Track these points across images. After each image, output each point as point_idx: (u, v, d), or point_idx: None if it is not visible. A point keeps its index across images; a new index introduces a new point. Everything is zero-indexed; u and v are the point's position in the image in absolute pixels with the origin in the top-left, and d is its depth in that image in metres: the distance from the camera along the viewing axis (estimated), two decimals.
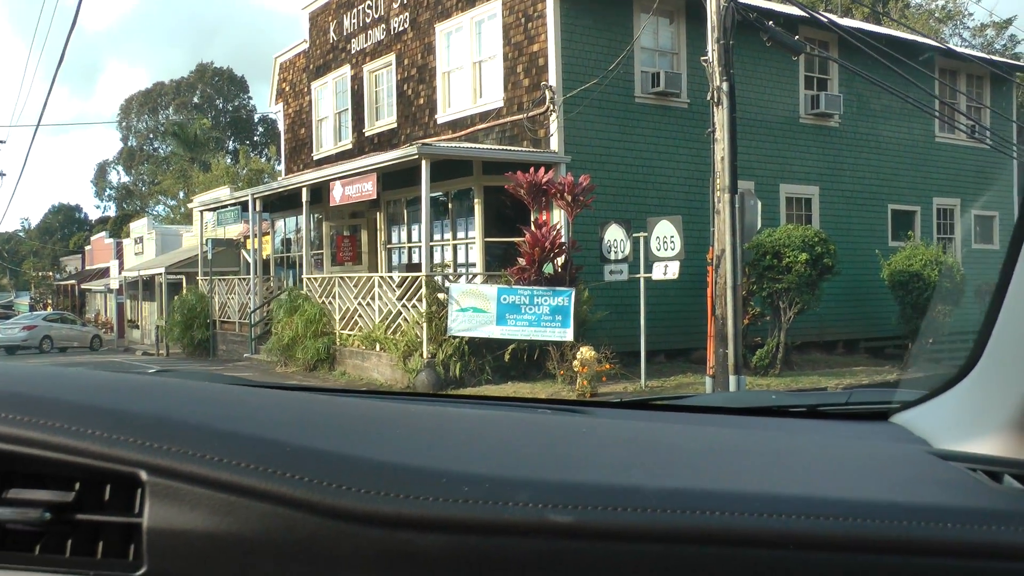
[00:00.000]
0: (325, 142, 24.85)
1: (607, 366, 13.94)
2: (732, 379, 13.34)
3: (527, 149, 16.63)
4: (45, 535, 1.10)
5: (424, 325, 15.59)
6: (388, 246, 20.83)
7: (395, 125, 21.29)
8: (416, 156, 15.75)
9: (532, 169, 14.66)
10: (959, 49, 25.38)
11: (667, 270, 14.25)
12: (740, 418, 1.95)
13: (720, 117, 13.53)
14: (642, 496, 1.02)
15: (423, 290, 15.76)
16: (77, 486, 1.10)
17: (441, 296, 15.64)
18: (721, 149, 13.53)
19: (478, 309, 14.87)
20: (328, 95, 24.63)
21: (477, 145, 17.74)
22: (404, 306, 16.35)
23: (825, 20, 17.64)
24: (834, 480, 1.15)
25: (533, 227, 14.82)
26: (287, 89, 27.03)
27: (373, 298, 17.42)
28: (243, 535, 1.03)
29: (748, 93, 18.08)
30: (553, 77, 16.34)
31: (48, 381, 1.34)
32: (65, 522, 1.09)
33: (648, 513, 1.00)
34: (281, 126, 28.42)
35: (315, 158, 24.90)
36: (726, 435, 1.51)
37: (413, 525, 1.00)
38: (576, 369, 13.84)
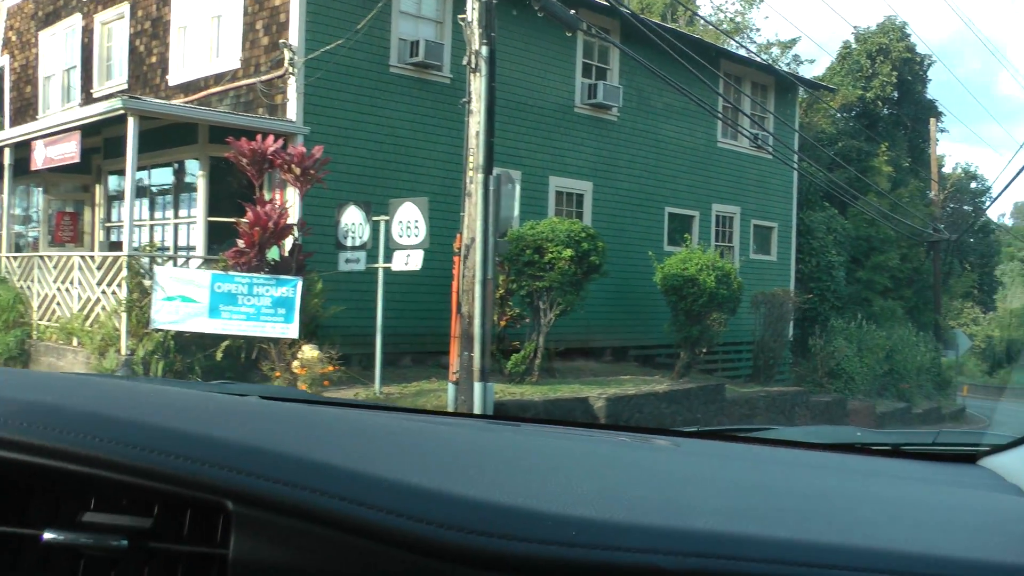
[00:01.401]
0: (52, 102, 22.08)
1: (330, 368, 12.27)
2: (477, 387, 12.07)
3: (262, 116, 14.77)
4: (121, 562, 1.10)
5: (123, 315, 13.45)
6: (107, 224, 18.49)
7: (125, 86, 18.93)
8: (121, 111, 13.62)
9: (259, 137, 12.83)
10: (746, 54, 25.12)
11: (409, 260, 12.79)
12: (824, 456, 1.91)
13: (477, 86, 12.22)
14: (755, 547, 1.03)
15: (124, 273, 13.61)
16: (156, 511, 1.12)
17: (147, 282, 13.54)
18: (476, 123, 12.23)
19: (187, 298, 12.90)
20: (57, 48, 21.93)
21: (199, 107, 15.72)
22: (104, 292, 14.15)
23: (607, 1, 16.72)
24: (947, 536, 1.14)
25: (257, 205, 12.97)
26: (13, 39, 24.05)
27: (72, 283, 15.09)
28: (331, 570, 1.04)
29: (519, 74, 16.99)
30: (295, 36, 14.59)
31: (127, 399, 1.37)
32: (142, 549, 1.10)
33: (760, 565, 1.01)
34: (7, 81, 25.23)
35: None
36: (824, 479, 1.52)
37: (517, 568, 1.00)
38: (296, 371, 12.11)
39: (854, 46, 35.15)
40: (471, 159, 12.19)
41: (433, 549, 1.01)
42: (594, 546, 1.00)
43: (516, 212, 12.64)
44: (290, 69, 14.61)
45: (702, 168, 21.35)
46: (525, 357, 14.50)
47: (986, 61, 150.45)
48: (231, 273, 12.96)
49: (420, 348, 15.41)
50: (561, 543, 1.00)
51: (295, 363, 12.24)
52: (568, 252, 14.17)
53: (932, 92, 36.60)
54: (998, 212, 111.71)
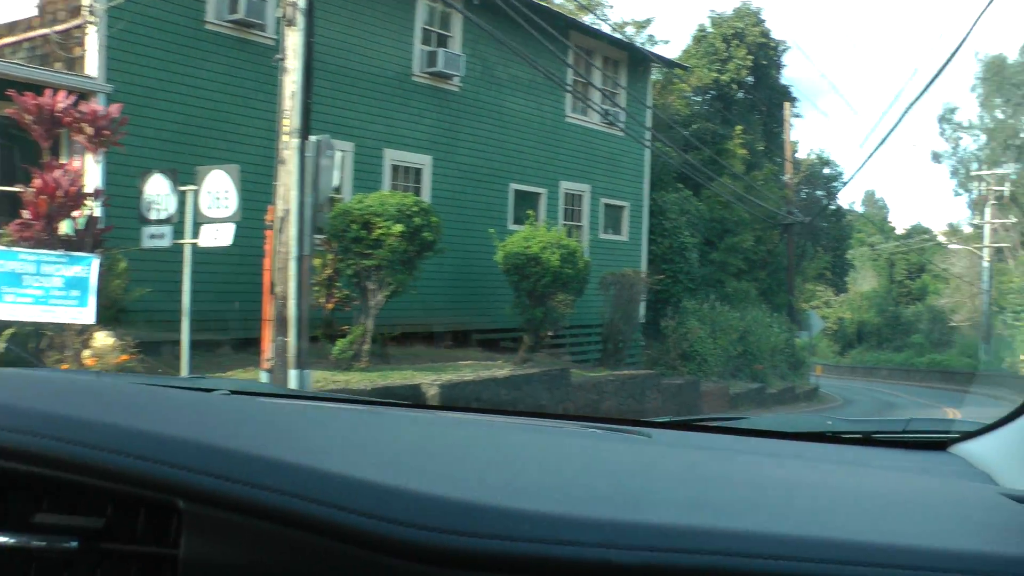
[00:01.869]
0: None
1: (124, 357, 11.09)
2: (292, 374, 11.09)
3: (58, 71, 13.37)
4: (73, 563, 1.11)
5: None
6: None
7: None
8: None
9: (47, 92, 11.50)
10: (599, 26, 24.62)
11: (218, 235, 11.64)
12: (796, 445, 1.97)
13: (293, 41, 11.22)
14: (710, 539, 1.03)
15: None
16: (108, 511, 1.11)
17: None
18: (292, 82, 11.26)
19: None
20: None
21: None
22: None
23: None
24: (916, 525, 1.14)
25: (46, 170, 11.64)
26: None
27: None
28: (284, 568, 1.04)
29: (350, 37, 16.01)
30: None
31: (80, 397, 1.38)
32: (94, 551, 1.10)
33: (719, 558, 1.01)
34: None
35: None
36: (792, 470, 1.54)
37: (466, 564, 1.01)
38: (86, 361, 10.90)
39: (710, 29, 35.27)
40: (286, 122, 11.21)
41: (384, 545, 1.01)
42: (544, 540, 1.01)
43: (336, 182, 11.67)
44: (89, 18, 13.26)
45: (550, 144, 20.76)
46: (353, 342, 13.56)
47: (841, 51, 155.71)
48: (15, 249, 11.59)
49: (240, 334, 14.28)
50: (511, 538, 1.01)
51: (86, 352, 11.04)
52: (398, 227, 13.29)
53: (788, 78, 37.11)
54: (849, 199, 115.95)
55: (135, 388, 1.67)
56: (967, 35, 40.56)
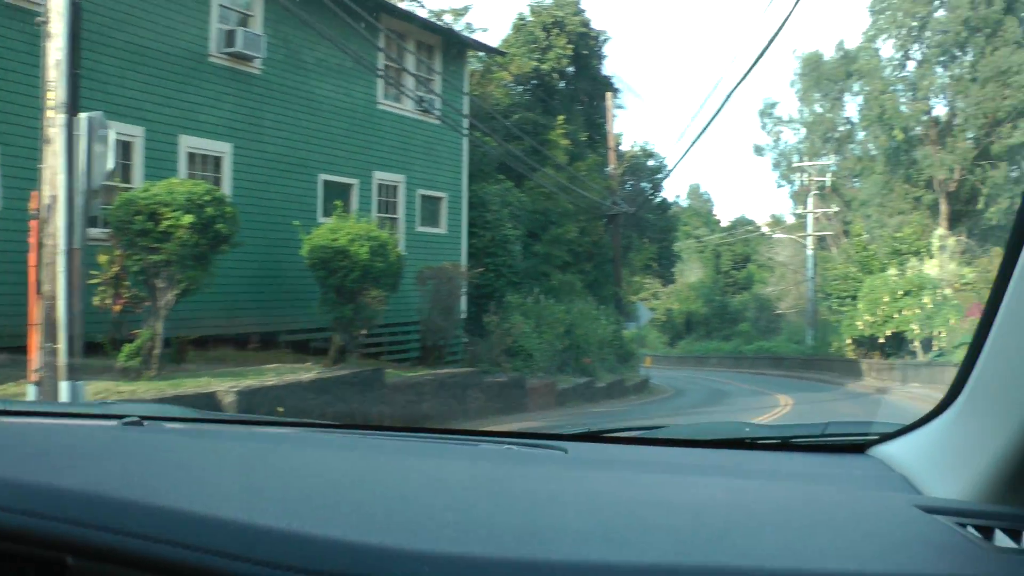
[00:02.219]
0: None
1: None
2: (64, 386, 10.00)
3: None
4: None
5: None
6: None
7: None
8: None
9: None
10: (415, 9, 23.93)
11: None
12: (715, 453, 1.98)
13: (57, 2, 10.11)
14: (613, 574, 1.03)
15: None
16: None
17: None
18: (57, 49, 10.20)
19: None
20: None
21: None
22: None
23: None
24: (820, 546, 1.14)
25: None
26: None
27: None
28: None
29: (138, 12, 14.79)
30: None
31: None
32: None
33: None
34: None
35: None
36: (693, 485, 1.54)
37: None
38: None
39: (529, 18, 35.08)
40: (50, 96, 10.12)
41: None
42: None
43: (111, 165, 10.57)
44: None
45: (361, 132, 19.96)
46: (140, 347, 12.48)
47: (663, 42, 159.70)
48: None
49: (8, 342, 12.95)
50: None
51: None
52: (188, 218, 12.28)
53: (610, 68, 37.29)
54: (675, 193, 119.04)
55: (27, 428, 1.70)
56: (777, 31, 41.82)
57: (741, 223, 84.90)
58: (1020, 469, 1.22)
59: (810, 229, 52.70)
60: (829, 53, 59.52)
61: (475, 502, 1.31)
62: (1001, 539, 1.14)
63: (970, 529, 1.17)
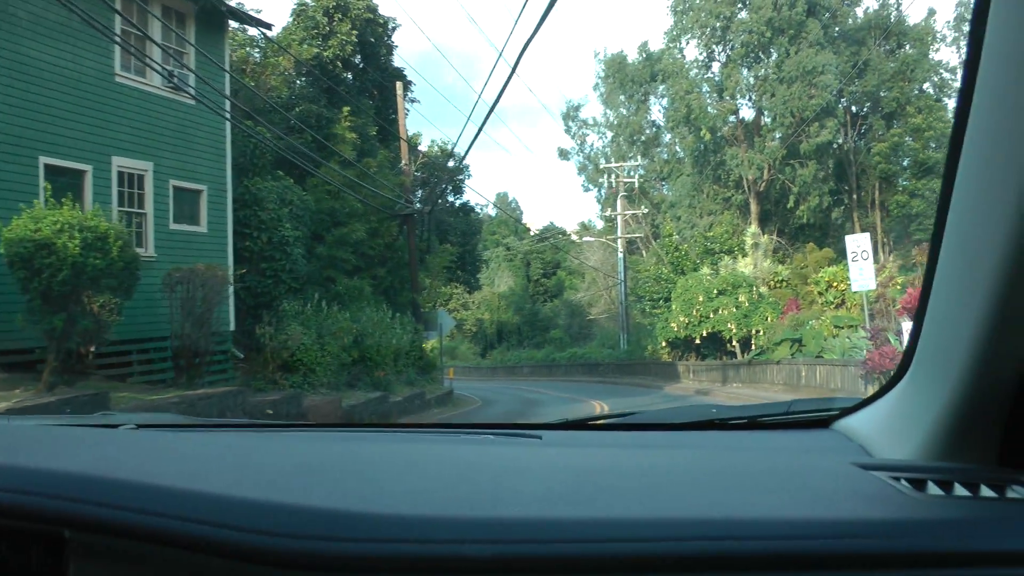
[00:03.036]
0: None
1: None
2: None
3: None
4: None
5: None
6: None
7: None
8: None
9: None
10: None
11: None
12: (681, 434, 2.13)
13: None
14: (561, 528, 1.12)
15: None
16: (1, 546, 1.18)
17: None
18: None
19: None
20: None
21: None
22: None
23: None
24: (756, 500, 1.26)
25: None
26: None
27: None
28: None
29: None
30: None
31: None
32: None
33: (564, 545, 1.10)
34: None
35: None
36: (658, 457, 1.63)
37: (335, 567, 1.09)
38: None
39: (310, 2, 32.66)
40: None
41: (257, 556, 1.09)
42: (405, 540, 1.10)
43: None
44: None
45: (94, 108, 16.98)
46: None
47: (455, 33, 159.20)
48: None
49: None
50: (373, 540, 1.09)
51: None
52: None
53: (403, 59, 35.09)
54: (483, 201, 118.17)
55: (30, 429, 1.89)
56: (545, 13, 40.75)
57: (551, 231, 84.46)
58: (957, 429, 1.34)
59: (620, 232, 51.98)
60: (633, 55, 59.33)
61: (453, 477, 1.38)
62: (933, 489, 1.26)
63: (903, 482, 1.30)
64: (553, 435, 2.08)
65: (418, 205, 28.95)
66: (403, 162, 29.90)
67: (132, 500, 1.15)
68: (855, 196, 54.62)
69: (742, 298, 37.64)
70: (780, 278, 42.18)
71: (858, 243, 23.54)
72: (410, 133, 38.87)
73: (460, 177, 39.18)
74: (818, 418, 2.00)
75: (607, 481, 1.36)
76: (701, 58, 51.40)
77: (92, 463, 1.29)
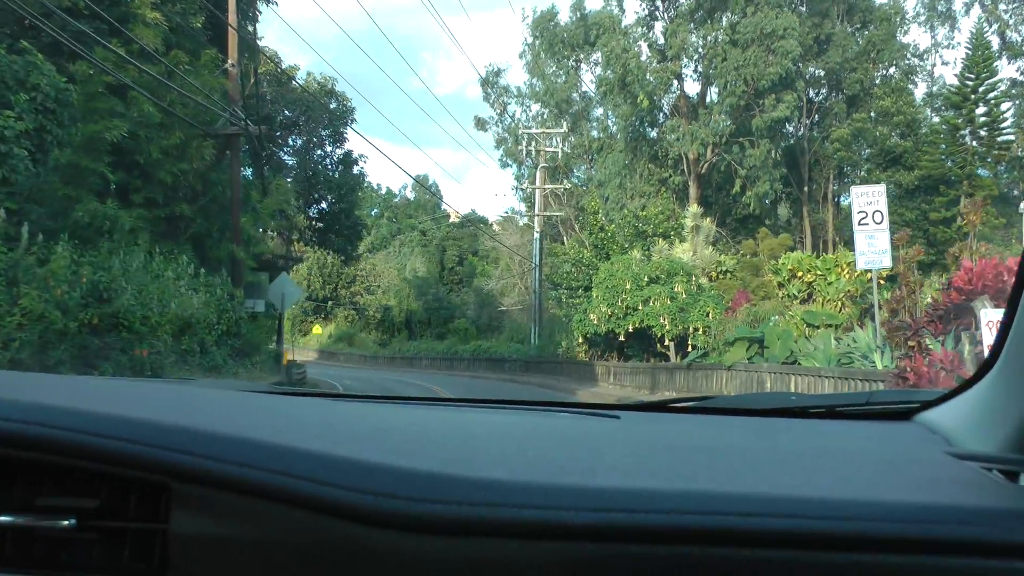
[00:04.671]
0: None
1: None
2: None
3: None
4: (73, 541, 1.20)
5: None
6: None
7: None
8: None
9: None
10: None
11: None
12: (761, 420, 2.03)
13: None
14: (657, 499, 1.12)
15: None
16: (104, 492, 1.21)
17: None
18: None
19: None
20: None
21: None
22: None
23: None
24: (852, 482, 1.24)
25: None
26: None
27: None
28: (267, 540, 1.14)
29: None
30: None
31: (73, 391, 1.54)
32: (92, 528, 1.20)
33: (662, 515, 1.09)
34: None
35: None
36: (744, 437, 1.67)
37: (431, 529, 1.10)
38: None
39: None
40: None
41: (357, 514, 1.10)
42: (501, 504, 1.10)
43: None
44: None
45: None
46: None
47: None
48: None
49: None
50: (473, 503, 1.10)
51: None
52: None
53: None
54: (401, 183, 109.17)
55: (136, 385, 1.92)
56: None
57: (472, 219, 75.84)
58: None
59: (538, 208, 43.62)
60: (566, 16, 51.04)
61: (545, 447, 1.40)
62: None
63: (995, 472, 1.26)
64: (631, 415, 2.02)
65: (244, 121, 20.13)
66: (230, 62, 20.89)
67: (235, 454, 1.15)
68: (806, 189, 47.09)
69: (678, 288, 29.65)
70: (724, 268, 34.29)
71: (869, 198, 15.51)
72: (286, 64, 30.35)
73: (342, 123, 30.59)
74: (899, 410, 1.91)
75: (689, 457, 1.36)
76: (642, 14, 43.10)
77: (197, 418, 1.29)
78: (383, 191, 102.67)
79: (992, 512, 1.09)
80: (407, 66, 75.35)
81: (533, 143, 44.51)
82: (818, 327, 20.94)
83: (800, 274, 25.79)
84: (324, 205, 30.30)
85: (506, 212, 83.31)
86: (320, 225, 30.59)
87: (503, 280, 55.62)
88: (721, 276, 33.81)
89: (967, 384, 1.57)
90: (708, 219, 35.93)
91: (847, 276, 24.75)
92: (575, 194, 50.45)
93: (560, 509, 1.08)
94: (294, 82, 29.63)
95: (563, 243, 47.89)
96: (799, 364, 18.50)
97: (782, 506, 1.09)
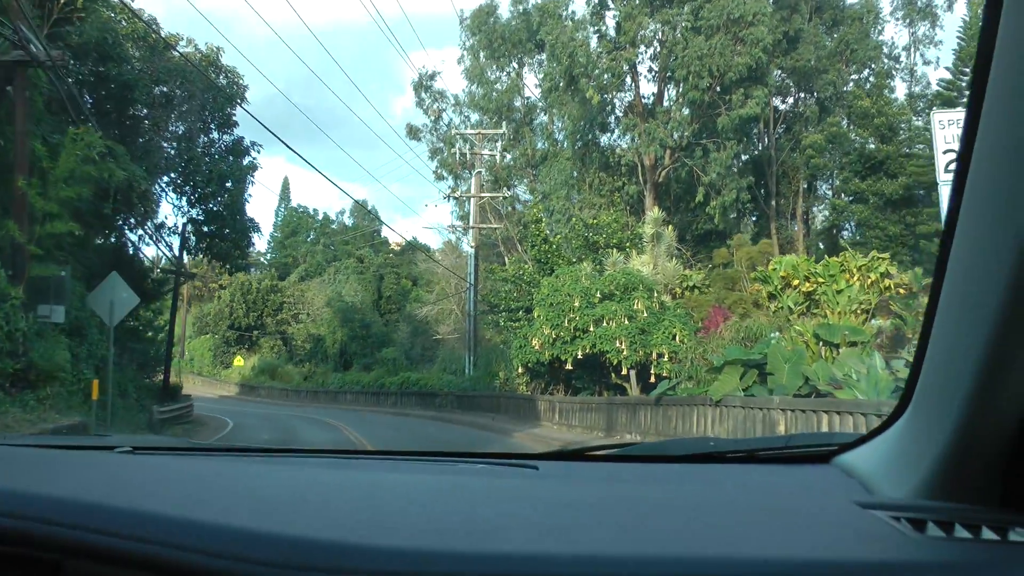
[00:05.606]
0: None
1: None
2: None
3: None
4: None
5: None
6: None
7: None
8: None
9: None
10: None
11: None
12: (680, 467, 2.01)
13: None
14: (556, 564, 1.08)
15: None
16: None
17: None
18: None
19: None
20: None
21: None
22: None
23: None
24: (756, 538, 1.20)
25: None
26: None
27: None
28: None
29: None
30: None
31: None
32: None
33: None
34: None
35: None
36: (655, 491, 1.61)
37: None
38: None
39: None
40: None
41: None
42: (401, 574, 1.05)
43: None
44: None
45: None
46: None
47: None
48: None
49: None
50: (373, 573, 1.05)
51: None
52: None
53: None
54: (339, 208, 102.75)
55: (28, 452, 1.84)
56: None
57: (415, 245, 69.72)
58: (958, 468, 1.27)
59: (473, 219, 37.63)
60: (506, 11, 45.34)
61: (449, 508, 1.34)
62: (933, 530, 1.19)
63: (903, 522, 1.23)
64: (550, 466, 2.00)
65: (35, 44, 13.86)
66: None
67: (129, 528, 1.10)
68: (774, 203, 41.63)
69: (638, 306, 23.89)
70: (690, 283, 28.49)
71: (958, 127, 9.90)
72: (169, 32, 24.46)
73: (229, 102, 24.46)
74: (817, 453, 1.87)
75: (603, 516, 1.32)
76: (593, 2, 37.39)
77: (89, 488, 1.25)
78: (319, 216, 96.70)
79: (895, 566, 1.08)
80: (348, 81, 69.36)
81: (468, 146, 38.52)
82: (837, 345, 15.12)
83: (796, 282, 20.03)
84: (211, 204, 24.12)
85: (434, 227, 77.43)
86: (205, 228, 24.51)
87: (438, 304, 49.36)
88: (688, 292, 28.06)
89: (884, 426, 1.54)
90: (670, 228, 30.13)
91: (858, 282, 19.06)
92: (515, 212, 44.70)
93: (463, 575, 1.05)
94: (174, 51, 23.50)
95: (503, 263, 41.94)
96: (830, 395, 12.63)
97: (687, 567, 1.06)
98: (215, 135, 25.00)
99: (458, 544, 1.13)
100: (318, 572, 1.04)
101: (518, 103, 46.12)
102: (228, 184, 24.02)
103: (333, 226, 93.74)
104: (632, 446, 2.52)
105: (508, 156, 44.44)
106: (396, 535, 1.15)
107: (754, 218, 43.47)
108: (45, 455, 1.75)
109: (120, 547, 1.08)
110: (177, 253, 27.06)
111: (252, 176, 25.27)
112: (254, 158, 25.10)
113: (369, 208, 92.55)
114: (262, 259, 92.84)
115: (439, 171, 47.27)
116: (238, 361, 59.39)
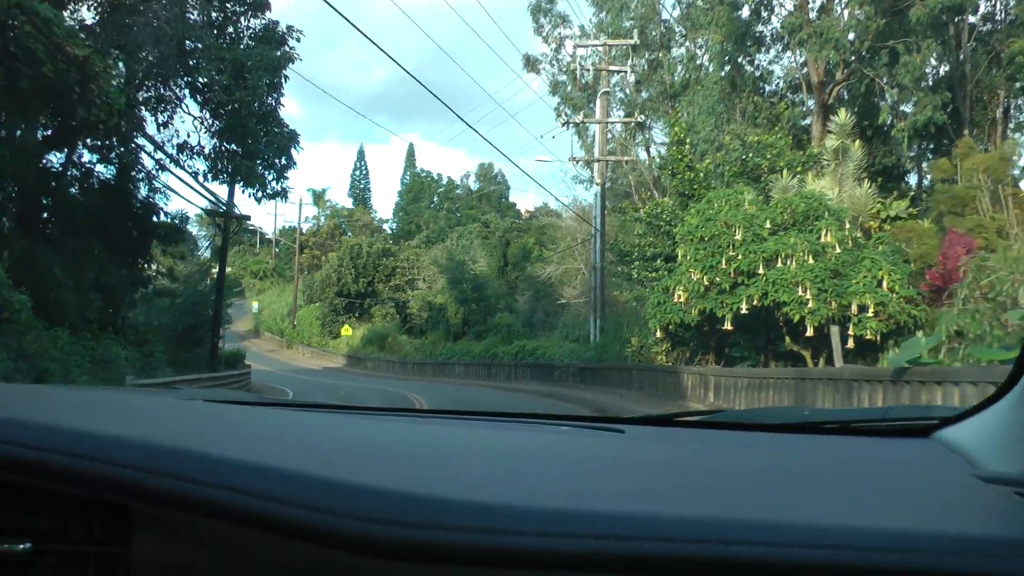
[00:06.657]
0: None
1: None
2: None
3: None
4: (29, 566, 1.09)
5: None
6: None
7: None
8: None
9: None
10: None
11: None
12: (772, 436, 1.90)
13: None
14: (660, 526, 1.01)
15: None
16: (62, 513, 1.10)
17: None
18: None
19: None
20: None
21: None
22: None
23: None
24: (873, 508, 1.12)
25: None
26: None
27: None
28: (234, 565, 1.04)
29: None
30: None
31: (31, 402, 1.41)
32: (49, 552, 1.09)
33: (664, 544, 0.99)
34: None
35: None
36: (755, 455, 1.51)
37: (412, 555, 0.99)
38: None
39: None
40: None
41: (327, 538, 1.00)
42: (488, 530, 0.99)
43: None
44: None
45: None
46: None
47: None
48: None
49: None
50: (453, 528, 0.99)
51: None
52: None
53: None
54: (463, 172, 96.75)
55: (96, 395, 1.78)
56: None
57: (544, 211, 63.02)
58: None
59: (598, 151, 30.25)
60: None
61: (535, 466, 1.27)
62: None
63: None
64: (636, 430, 1.91)
65: None
66: None
67: (200, 472, 1.05)
68: (965, 133, 33.06)
69: (828, 238, 16.45)
70: (889, 212, 20.68)
71: None
72: None
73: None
74: (917, 426, 1.74)
75: (693, 479, 1.23)
76: None
77: (161, 433, 1.19)
78: (443, 180, 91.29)
79: None
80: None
81: (591, 62, 31.15)
82: None
83: None
84: (231, 105, 17.57)
85: (551, 159, 70.37)
86: (222, 143, 18.03)
87: (563, 265, 42.20)
88: (888, 224, 20.24)
89: (989, 400, 1.44)
90: (857, 143, 22.21)
91: None
92: (649, 160, 37.21)
93: (551, 536, 0.97)
94: None
95: (639, 209, 34.51)
96: None
97: (800, 535, 0.97)
98: (242, 22, 18.53)
99: (546, 502, 1.03)
100: (397, 526, 0.97)
101: (652, 31, 38.48)
102: (247, 77, 17.33)
103: (458, 191, 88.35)
104: (722, 412, 2.43)
105: (643, 92, 37.09)
106: (481, 491, 1.06)
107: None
108: (118, 397, 1.67)
109: (187, 491, 1.02)
110: (203, 180, 20.75)
111: (286, 72, 18.56)
112: (291, 47, 18.54)
113: (494, 173, 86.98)
114: (384, 226, 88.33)
115: (560, 107, 39.93)
116: (345, 331, 53.77)
